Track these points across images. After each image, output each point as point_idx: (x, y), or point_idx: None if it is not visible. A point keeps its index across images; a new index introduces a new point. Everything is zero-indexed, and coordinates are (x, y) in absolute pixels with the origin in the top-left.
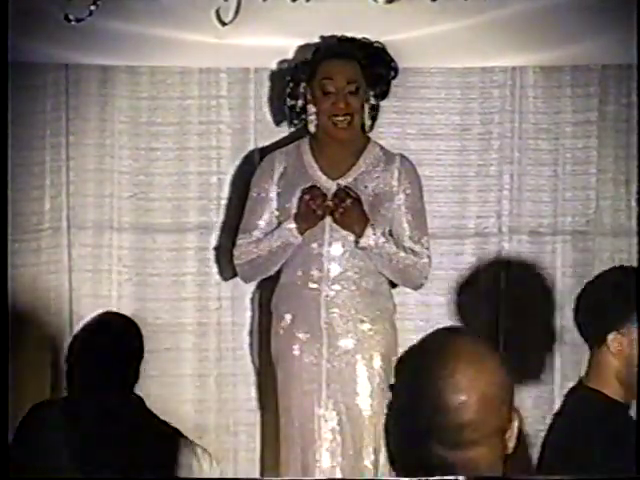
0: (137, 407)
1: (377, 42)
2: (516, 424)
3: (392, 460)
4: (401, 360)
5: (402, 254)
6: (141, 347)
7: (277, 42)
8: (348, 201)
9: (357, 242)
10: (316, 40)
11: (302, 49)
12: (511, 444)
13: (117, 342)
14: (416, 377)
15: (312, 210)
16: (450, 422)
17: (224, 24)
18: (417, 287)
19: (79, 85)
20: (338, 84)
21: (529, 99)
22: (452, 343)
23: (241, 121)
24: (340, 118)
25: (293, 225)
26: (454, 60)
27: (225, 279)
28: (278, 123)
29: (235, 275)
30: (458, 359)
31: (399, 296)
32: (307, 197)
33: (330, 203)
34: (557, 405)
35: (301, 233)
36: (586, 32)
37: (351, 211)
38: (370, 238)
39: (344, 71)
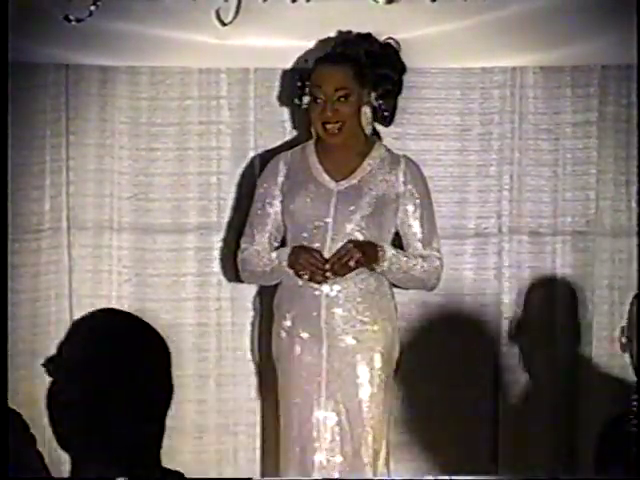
0: None
1: (390, 38)
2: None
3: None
4: (65, 339)
5: (413, 262)
6: None
7: (277, 42)
8: (345, 254)
9: (373, 269)
10: (332, 35)
11: (321, 44)
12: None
13: None
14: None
15: (304, 273)
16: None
17: (224, 24)
18: (431, 289)
19: (79, 85)
20: (326, 92)
21: (529, 99)
22: (108, 324)
23: (241, 121)
24: (330, 125)
25: (285, 264)
26: (454, 60)
27: (229, 280)
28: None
29: (238, 277)
30: (114, 341)
31: (399, 296)
32: (305, 259)
33: (329, 274)
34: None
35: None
36: (586, 32)
37: (355, 259)
38: (384, 263)
39: (332, 78)
